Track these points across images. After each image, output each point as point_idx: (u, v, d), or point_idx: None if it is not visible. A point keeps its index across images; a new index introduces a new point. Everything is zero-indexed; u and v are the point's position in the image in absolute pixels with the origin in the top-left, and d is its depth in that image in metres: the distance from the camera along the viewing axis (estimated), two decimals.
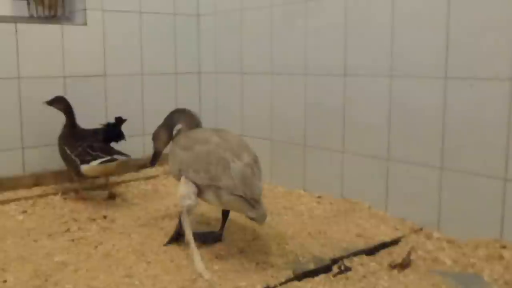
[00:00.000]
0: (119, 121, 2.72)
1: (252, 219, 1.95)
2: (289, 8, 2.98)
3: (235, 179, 1.94)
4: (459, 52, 2.25)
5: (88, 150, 2.69)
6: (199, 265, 1.95)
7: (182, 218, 2.09)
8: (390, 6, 2.48)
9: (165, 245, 2.21)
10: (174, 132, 2.40)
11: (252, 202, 1.93)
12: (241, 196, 1.93)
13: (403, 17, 2.45)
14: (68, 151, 2.77)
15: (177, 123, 2.38)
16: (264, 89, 3.20)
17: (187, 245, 2.05)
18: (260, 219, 1.95)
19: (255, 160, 2.10)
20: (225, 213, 2.28)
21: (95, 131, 2.79)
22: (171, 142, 2.35)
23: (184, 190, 2.05)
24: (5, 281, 1.86)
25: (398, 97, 2.51)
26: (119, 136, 2.73)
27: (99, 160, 2.66)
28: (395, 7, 2.47)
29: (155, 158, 2.44)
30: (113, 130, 2.71)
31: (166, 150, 2.39)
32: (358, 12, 2.64)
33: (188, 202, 2.03)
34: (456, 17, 2.25)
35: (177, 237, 2.24)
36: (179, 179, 2.13)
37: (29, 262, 2.03)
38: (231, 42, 3.41)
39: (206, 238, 2.24)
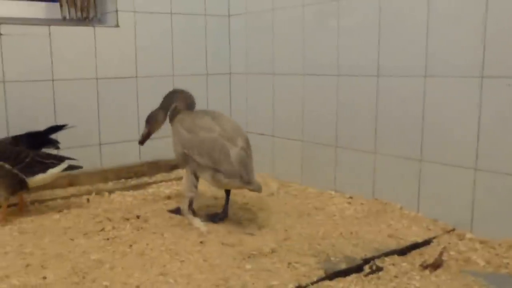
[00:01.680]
0: (50, 130, 2.69)
1: (251, 190, 2.35)
2: (321, 7, 2.98)
3: (234, 164, 2.32)
4: (496, 51, 2.23)
5: (38, 158, 2.56)
6: (197, 222, 2.43)
7: (182, 206, 2.52)
8: (426, 4, 2.47)
9: (169, 211, 2.68)
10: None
11: (246, 181, 2.31)
12: (233, 178, 2.33)
13: (438, 16, 2.43)
14: (8, 166, 2.50)
15: (173, 103, 2.67)
16: (295, 90, 3.20)
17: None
18: (257, 189, 2.33)
19: (247, 142, 2.48)
20: (228, 193, 2.59)
21: (14, 139, 2.61)
22: (173, 120, 2.62)
23: (188, 185, 2.49)
24: (44, 278, 1.90)
25: (432, 97, 2.49)
26: (44, 144, 2.67)
27: (57, 168, 2.60)
28: (430, 5, 2.45)
29: (146, 139, 2.74)
30: (37, 138, 2.65)
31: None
32: (392, 11, 2.63)
33: (190, 194, 2.49)
34: (493, 15, 2.23)
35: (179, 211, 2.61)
36: (180, 158, 2.54)
37: (67, 260, 2.07)
38: (262, 43, 3.42)
39: (213, 218, 2.56)
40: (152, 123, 2.72)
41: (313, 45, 3.07)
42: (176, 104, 2.68)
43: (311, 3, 3.04)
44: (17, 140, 2.60)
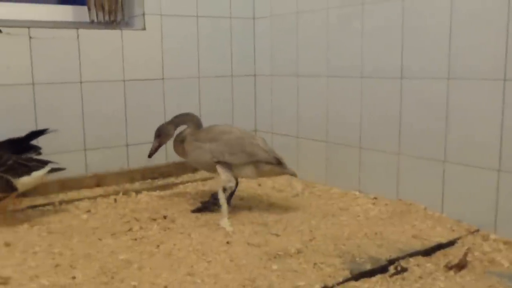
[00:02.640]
0: (30, 135, 2.66)
1: (291, 174, 2.68)
2: (345, 10, 2.99)
3: (268, 152, 2.61)
4: None
5: (21, 161, 2.53)
6: (223, 222, 2.49)
7: (220, 195, 2.57)
8: (449, 7, 2.47)
9: (192, 211, 2.73)
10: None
11: (281, 162, 2.61)
12: (272, 164, 2.60)
13: (461, 19, 2.43)
14: None
15: (182, 124, 2.81)
16: (319, 91, 3.21)
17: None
18: (294, 173, 2.68)
19: (263, 138, 2.77)
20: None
21: None
22: (186, 140, 2.74)
23: (227, 176, 2.61)
24: (74, 278, 1.93)
25: (455, 99, 2.49)
26: (26, 150, 2.63)
27: (41, 171, 2.57)
28: (453, 8, 2.45)
29: (155, 152, 2.84)
30: (18, 144, 2.62)
31: None
32: (415, 14, 2.63)
33: (231, 184, 2.61)
34: None
35: (203, 209, 2.72)
36: (208, 167, 2.69)
37: (95, 260, 2.10)
38: (286, 45, 3.44)
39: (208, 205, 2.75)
40: (162, 136, 2.82)
41: (337, 48, 3.08)
42: (187, 126, 2.80)
43: (335, 6, 3.05)
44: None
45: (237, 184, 2.71)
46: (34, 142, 2.73)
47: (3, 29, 2.82)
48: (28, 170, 2.52)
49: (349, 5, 2.96)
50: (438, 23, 2.53)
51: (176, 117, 2.83)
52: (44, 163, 2.59)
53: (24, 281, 1.91)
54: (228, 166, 2.63)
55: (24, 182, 2.52)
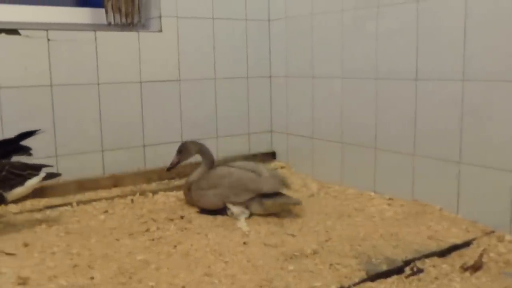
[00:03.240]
0: (20, 136, 2.51)
1: (296, 204, 2.66)
2: (359, 12, 3.00)
3: (270, 181, 2.62)
4: None
5: (15, 171, 2.39)
6: (240, 222, 2.54)
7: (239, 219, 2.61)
8: (463, 9, 2.47)
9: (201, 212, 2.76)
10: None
11: (286, 185, 2.65)
12: (278, 196, 2.61)
13: (476, 20, 2.43)
14: None
15: (202, 155, 2.90)
16: (334, 92, 3.22)
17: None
18: (299, 202, 2.66)
19: (272, 168, 2.83)
20: None
21: None
22: (191, 187, 2.82)
23: (238, 209, 2.63)
24: (92, 278, 1.95)
25: (470, 100, 2.49)
26: (16, 151, 2.50)
27: (35, 179, 2.45)
28: (467, 10, 2.45)
29: (174, 167, 2.93)
30: (7, 146, 2.49)
31: None
32: (430, 16, 2.63)
33: (245, 215, 2.62)
34: None
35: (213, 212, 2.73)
36: (218, 207, 2.70)
37: (113, 260, 2.12)
38: (301, 47, 3.45)
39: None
40: (183, 153, 2.90)
41: (351, 49, 3.09)
42: (203, 160, 2.90)
43: (349, 8, 3.06)
44: None
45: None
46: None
47: (22, 32, 2.86)
48: (22, 180, 2.41)
49: (363, 7, 2.97)
50: (452, 25, 2.53)
51: (201, 144, 2.91)
52: (37, 168, 2.48)
53: (43, 281, 1.93)
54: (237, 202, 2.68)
55: (16, 193, 2.41)
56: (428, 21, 2.65)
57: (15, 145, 2.50)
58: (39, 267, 2.05)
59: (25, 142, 2.53)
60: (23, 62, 2.89)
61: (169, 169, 2.92)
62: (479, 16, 2.42)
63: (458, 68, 2.52)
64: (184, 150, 2.89)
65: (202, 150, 2.89)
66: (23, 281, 1.91)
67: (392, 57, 2.85)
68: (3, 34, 2.82)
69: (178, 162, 2.90)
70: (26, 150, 2.52)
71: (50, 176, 2.51)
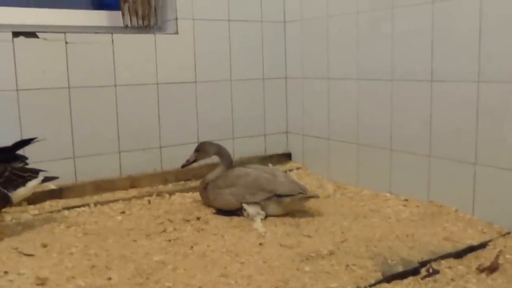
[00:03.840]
0: (17, 145, 2.54)
1: (314, 197, 2.67)
2: (375, 14, 3.01)
3: (286, 183, 2.65)
4: None
5: (17, 172, 2.43)
6: (256, 223, 2.56)
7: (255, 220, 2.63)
8: (478, 10, 2.47)
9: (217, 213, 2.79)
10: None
11: (303, 190, 2.63)
12: (293, 195, 2.61)
13: (491, 22, 2.43)
14: None
15: (221, 156, 2.91)
16: (350, 94, 3.23)
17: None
18: (317, 195, 2.70)
19: (284, 172, 2.85)
20: None
21: None
22: (208, 186, 2.85)
23: (254, 210, 2.65)
24: (109, 279, 1.97)
25: (486, 101, 2.49)
26: (12, 160, 2.50)
27: (35, 181, 2.49)
28: (482, 11, 2.45)
29: (189, 165, 2.94)
30: (4, 154, 2.49)
31: None
32: (445, 17, 2.63)
33: (261, 216, 2.63)
34: None
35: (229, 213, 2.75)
36: (234, 208, 2.72)
37: (130, 261, 2.14)
38: (317, 48, 3.45)
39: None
40: (201, 152, 2.92)
41: (367, 51, 3.09)
42: (221, 162, 2.91)
43: (365, 10, 3.06)
44: None
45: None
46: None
47: (40, 35, 2.89)
48: (23, 181, 2.46)
49: (379, 8, 2.97)
50: (467, 26, 2.53)
51: (219, 145, 2.93)
52: (35, 172, 2.52)
53: (61, 281, 1.95)
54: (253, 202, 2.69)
55: (19, 194, 2.46)
56: (443, 22, 2.65)
57: (12, 153, 2.53)
58: (58, 268, 2.08)
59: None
60: (41, 65, 2.93)
61: (184, 166, 2.93)
62: (494, 17, 2.42)
63: (474, 69, 2.52)
64: (201, 149, 2.91)
65: (221, 151, 2.90)
66: (42, 281, 1.94)
67: (408, 59, 2.85)
68: (21, 37, 2.86)
69: (194, 161, 2.92)
70: (23, 159, 2.55)
71: (48, 178, 2.56)
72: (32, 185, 2.48)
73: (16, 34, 2.85)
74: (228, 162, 2.89)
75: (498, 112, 2.44)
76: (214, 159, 2.96)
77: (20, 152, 2.55)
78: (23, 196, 2.50)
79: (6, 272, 2.04)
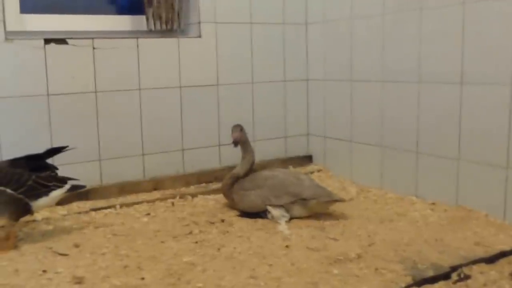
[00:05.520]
0: (49, 152, 2.53)
1: (339, 201, 2.72)
2: (402, 15, 3.01)
3: (311, 187, 2.69)
4: None
5: (41, 181, 2.40)
6: (281, 226, 2.60)
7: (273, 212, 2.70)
8: (511, 12, 2.46)
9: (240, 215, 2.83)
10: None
11: (329, 194, 2.69)
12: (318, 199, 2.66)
13: None
14: (9, 191, 2.33)
15: (245, 149, 2.91)
16: (374, 96, 3.24)
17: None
18: (342, 199, 2.76)
19: (309, 175, 2.89)
20: None
21: (13, 163, 2.45)
22: (234, 188, 2.88)
23: (279, 212, 2.69)
24: (143, 278, 2.02)
25: None
26: (43, 169, 2.47)
27: (59, 190, 2.46)
28: None
29: (239, 142, 2.89)
30: (35, 162, 2.47)
31: None
32: (476, 17, 2.63)
33: (285, 219, 2.67)
34: None
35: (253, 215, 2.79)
36: (258, 209, 2.76)
37: (161, 262, 2.18)
38: (340, 50, 3.47)
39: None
40: (244, 132, 2.91)
41: (393, 53, 3.10)
42: (243, 156, 2.92)
43: (391, 12, 3.07)
44: (15, 163, 2.44)
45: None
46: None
47: (69, 41, 2.95)
48: (47, 191, 2.42)
49: (406, 10, 2.98)
50: (500, 27, 2.52)
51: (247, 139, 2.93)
52: (63, 181, 2.49)
53: (97, 281, 2.00)
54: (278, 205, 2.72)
55: (41, 204, 2.43)
56: (474, 24, 2.64)
57: (43, 161, 2.51)
58: (92, 267, 2.13)
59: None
60: (70, 70, 2.98)
61: (236, 143, 2.87)
62: None
63: (507, 72, 2.51)
64: (243, 129, 2.90)
65: (247, 139, 2.92)
66: (79, 280, 2.00)
67: (436, 60, 2.85)
68: (52, 44, 2.92)
69: (241, 137, 2.88)
70: (52, 169, 2.52)
71: (74, 188, 2.53)
72: (56, 195, 2.46)
73: (47, 41, 2.91)
74: (251, 150, 2.91)
75: None
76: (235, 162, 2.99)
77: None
78: (45, 206, 2.49)
79: (44, 271, 2.11)
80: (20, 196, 2.34)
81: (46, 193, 2.41)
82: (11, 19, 2.97)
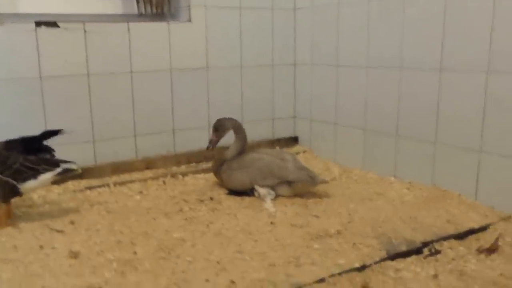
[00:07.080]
0: (44, 135, 2.52)
1: (322, 183, 2.84)
2: (386, 2, 3.05)
3: (296, 171, 2.79)
4: None
5: (28, 164, 2.39)
6: (267, 203, 2.72)
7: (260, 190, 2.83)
8: (492, 2, 2.51)
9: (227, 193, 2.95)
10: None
11: (312, 176, 2.78)
12: (303, 181, 2.78)
13: (504, 12, 2.47)
14: None
15: (236, 132, 3.00)
16: (358, 81, 3.31)
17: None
18: (325, 181, 2.88)
19: (294, 156, 2.95)
20: None
21: (7, 144, 2.45)
22: (222, 167, 2.99)
23: (265, 190, 2.82)
24: (135, 253, 2.14)
25: (494, 92, 2.55)
26: (39, 151, 2.50)
27: (48, 174, 2.46)
28: (496, 2, 2.50)
29: (215, 145, 3.02)
30: (31, 144, 2.48)
31: None
32: (457, 6, 2.68)
33: (271, 196, 2.80)
34: None
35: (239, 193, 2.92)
36: (245, 188, 2.89)
37: (153, 238, 2.29)
38: (327, 35, 3.53)
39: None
40: (221, 131, 3.00)
41: (377, 39, 3.16)
42: (236, 137, 3.00)
43: None
44: (10, 145, 2.43)
45: None
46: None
47: (60, 24, 3.02)
48: (35, 174, 2.41)
49: None
50: (480, 16, 2.57)
51: (235, 120, 3.02)
52: (55, 164, 2.49)
53: (92, 255, 2.12)
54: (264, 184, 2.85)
55: (29, 186, 2.42)
56: (455, 12, 2.69)
57: (38, 143, 2.51)
58: (87, 243, 2.25)
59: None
60: (62, 53, 3.05)
61: (209, 147, 3.01)
62: (507, 9, 2.46)
63: (483, 60, 2.57)
64: (220, 127, 2.99)
65: (237, 125, 2.99)
66: (75, 255, 2.11)
67: (417, 47, 2.91)
68: (43, 27, 2.99)
69: (217, 140, 3.01)
70: (49, 151, 2.54)
71: (65, 171, 2.51)
72: (45, 178, 2.46)
73: (38, 24, 2.97)
74: (243, 136, 2.99)
75: (505, 102, 2.51)
76: (228, 141, 3.09)
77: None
78: (34, 188, 2.49)
79: (41, 247, 2.22)
80: (6, 178, 2.35)
81: (34, 176, 2.41)
82: (2, 1, 3.03)
